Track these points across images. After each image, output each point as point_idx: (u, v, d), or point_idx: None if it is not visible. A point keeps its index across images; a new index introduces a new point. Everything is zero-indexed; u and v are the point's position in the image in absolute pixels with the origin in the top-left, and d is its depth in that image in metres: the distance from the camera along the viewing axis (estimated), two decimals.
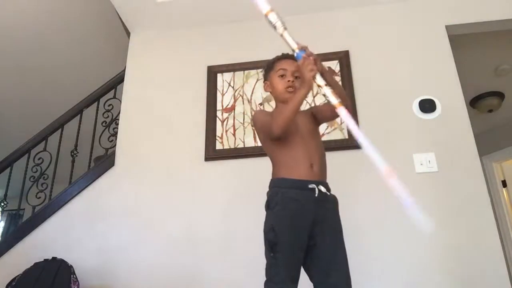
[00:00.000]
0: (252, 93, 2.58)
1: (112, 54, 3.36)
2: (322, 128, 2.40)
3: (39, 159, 2.83)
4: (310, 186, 1.41)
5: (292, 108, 1.42)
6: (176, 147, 2.54)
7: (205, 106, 2.59)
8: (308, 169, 1.45)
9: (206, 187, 2.39)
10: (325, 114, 1.62)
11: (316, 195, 1.40)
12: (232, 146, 2.45)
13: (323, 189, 1.43)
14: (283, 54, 1.67)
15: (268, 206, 1.45)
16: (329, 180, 1.50)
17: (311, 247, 1.40)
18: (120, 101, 2.75)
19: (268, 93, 1.70)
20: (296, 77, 1.58)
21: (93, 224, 2.41)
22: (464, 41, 2.69)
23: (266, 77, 1.68)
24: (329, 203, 1.48)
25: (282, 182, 1.46)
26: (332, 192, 1.50)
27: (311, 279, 1.41)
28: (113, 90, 2.88)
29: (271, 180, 1.51)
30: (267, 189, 1.48)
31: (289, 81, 1.57)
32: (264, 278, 1.37)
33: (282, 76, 1.60)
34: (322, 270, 1.39)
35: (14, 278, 2.07)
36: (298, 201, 1.40)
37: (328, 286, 1.37)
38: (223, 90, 2.63)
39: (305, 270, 1.42)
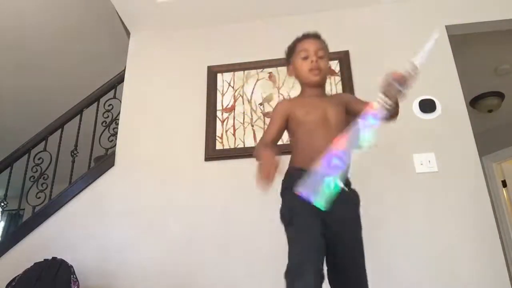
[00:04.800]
0: (252, 93, 2.58)
1: (112, 54, 3.35)
2: None
3: (39, 159, 2.83)
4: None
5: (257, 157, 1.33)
6: (176, 147, 2.54)
7: (205, 106, 2.59)
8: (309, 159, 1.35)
9: (206, 187, 2.39)
10: (356, 112, 1.49)
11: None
12: (232, 146, 2.45)
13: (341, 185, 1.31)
14: (303, 34, 1.56)
15: (281, 193, 1.42)
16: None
17: (330, 254, 1.32)
18: (120, 101, 2.75)
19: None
20: (319, 57, 1.49)
21: (93, 224, 2.41)
22: (464, 41, 2.69)
23: (288, 61, 1.59)
24: (349, 201, 1.40)
25: (297, 172, 1.35)
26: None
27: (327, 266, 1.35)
28: (113, 90, 2.88)
29: (287, 169, 1.44)
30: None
31: (312, 61, 1.48)
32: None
33: (305, 58, 1.50)
34: (341, 282, 1.36)
35: (14, 278, 2.07)
36: None
37: None
38: (223, 90, 2.63)
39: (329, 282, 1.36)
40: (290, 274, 1.20)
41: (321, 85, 1.57)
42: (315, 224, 1.28)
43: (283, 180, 1.42)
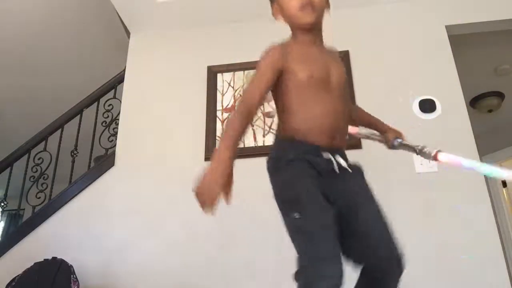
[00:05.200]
0: None
1: (112, 54, 3.35)
2: None
3: (39, 159, 2.83)
4: (326, 156, 1.13)
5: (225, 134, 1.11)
6: (176, 147, 2.54)
7: (205, 106, 2.59)
8: (329, 137, 1.15)
9: None
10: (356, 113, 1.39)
11: (337, 169, 1.13)
12: None
13: (342, 162, 1.15)
14: None
15: (274, 168, 1.16)
16: None
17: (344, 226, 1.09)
18: (120, 101, 2.75)
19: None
20: None
21: (93, 224, 2.41)
22: (464, 41, 2.69)
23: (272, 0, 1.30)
24: (352, 175, 1.18)
25: (293, 146, 1.13)
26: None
27: (348, 257, 1.09)
28: (113, 90, 2.88)
29: (278, 140, 1.21)
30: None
31: None
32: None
33: None
34: (358, 238, 1.10)
35: (14, 278, 2.07)
36: (313, 168, 1.11)
37: (367, 253, 1.09)
38: (223, 90, 2.63)
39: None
40: (309, 275, 0.98)
41: (316, 27, 1.25)
42: (328, 206, 1.06)
43: (277, 153, 1.19)
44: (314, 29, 1.25)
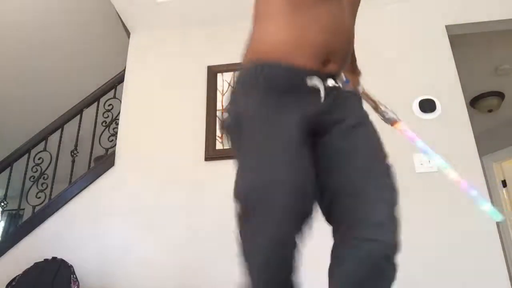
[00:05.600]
0: None
1: (112, 54, 3.35)
2: None
3: (39, 159, 2.83)
4: (311, 83, 0.85)
5: None
6: (176, 147, 2.54)
7: (205, 106, 2.59)
8: (321, 60, 0.87)
9: (206, 187, 2.38)
10: None
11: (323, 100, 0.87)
12: None
13: (331, 83, 0.89)
14: None
15: (236, 123, 0.87)
16: None
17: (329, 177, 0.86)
18: (120, 101, 2.75)
19: None
20: None
21: (93, 224, 2.41)
22: (464, 41, 2.69)
23: None
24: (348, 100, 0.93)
25: (269, 68, 0.86)
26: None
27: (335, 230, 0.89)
28: (113, 90, 2.88)
29: (244, 67, 0.93)
30: None
31: None
32: None
33: None
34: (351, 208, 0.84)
35: (14, 278, 2.07)
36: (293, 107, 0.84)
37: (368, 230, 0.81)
38: (223, 90, 2.63)
39: (327, 218, 0.91)
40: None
41: None
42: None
43: (242, 81, 0.93)
44: None
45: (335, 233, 0.88)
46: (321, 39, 0.87)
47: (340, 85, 0.93)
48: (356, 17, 1.14)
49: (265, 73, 0.86)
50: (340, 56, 0.92)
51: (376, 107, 1.18)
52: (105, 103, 2.83)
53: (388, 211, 0.84)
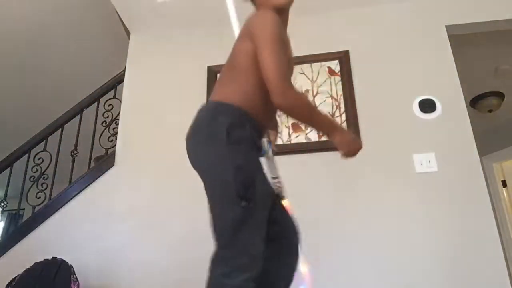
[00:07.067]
0: None
1: (112, 54, 3.35)
2: None
3: (39, 159, 2.83)
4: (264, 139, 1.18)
5: (308, 119, 1.13)
6: (176, 147, 2.52)
7: None
8: (272, 121, 1.22)
9: None
10: None
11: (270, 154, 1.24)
12: None
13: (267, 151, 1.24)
14: None
15: (227, 137, 1.05)
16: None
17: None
18: (120, 101, 2.75)
19: None
20: None
21: (93, 224, 2.41)
22: (464, 41, 2.69)
23: None
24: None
25: (251, 118, 1.10)
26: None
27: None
28: (113, 90, 2.88)
29: (232, 105, 1.10)
30: None
31: None
32: None
33: None
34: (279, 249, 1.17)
35: (14, 278, 2.07)
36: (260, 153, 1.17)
37: (283, 268, 1.17)
38: None
39: None
40: (232, 266, 0.98)
41: (288, 8, 1.28)
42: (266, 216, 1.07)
43: (231, 122, 1.08)
44: (286, 10, 1.27)
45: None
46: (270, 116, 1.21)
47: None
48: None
49: (251, 124, 1.11)
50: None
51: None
52: (105, 103, 2.83)
53: None
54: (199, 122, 1.19)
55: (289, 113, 1.09)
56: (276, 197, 1.22)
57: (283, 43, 1.09)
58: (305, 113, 1.09)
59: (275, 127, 1.37)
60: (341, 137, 1.11)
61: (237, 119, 1.08)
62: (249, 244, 1.00)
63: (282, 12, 1.23)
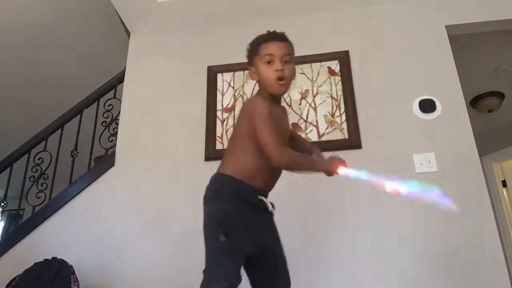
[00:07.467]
0: (252, 93, 2.58)
1: (112, 54, 3.35)
2: (322, 127, 2.41)
3: (39, 159, 2.83)
4: (262, 200, 1.37)
5: (302, 169, 1.43)
6: (176, 147, 2.54)
7: (205, 106, 2.59)
8: (271, 185, 1.42)
9: None
10: (296, 146, 1.53)
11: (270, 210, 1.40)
12: None
13: (270, 207, 1.39)
14: (268, 33, 1.42)
15: (215, 195, 1.34)
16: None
17: (257, 257, 1.38)
18: (120, 101, 2.75)
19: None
20: (285, 62, 1.37)
21: (93, 224, 2.41)
22: (464, 41, 2.69)
23: (250, 62, 1.45)
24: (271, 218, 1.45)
25: (243, 183, 1.33)
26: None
27: (254, 285, 1.42)
28: (113, 90, 2.88)
29: (229, 175, 1.35)
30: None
31: (277, 70, 1.35)
32: None
33: (269, 62, 1.36)
34: (269, 277, 1.40)
35: (14, 278, 2.07)
36: (253, 213, 1.36)
37: None
38: (223, 90, 2.63)
39: (249, 275, 1.42)
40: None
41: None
42: (248, 245, 1.32)
43: (220, 188, 1.36)
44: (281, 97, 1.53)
45: None
46: (275, 175, 1.41)
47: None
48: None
49: (246, 191, 1.35)
50: (276, 181, 1.44)
51: None
52: (105, 103, 2.82)
53: None
54: (206, 191, 1.42)
55: (286, 168, 1.37)
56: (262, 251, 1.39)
57: (274, 119, 1.31)
58: (297, 166, 1.36)
59: (310, 150, 1.53)
60: (327, 166, 1.37)
61: (230, 184, 1.33)
62: (229, 271, 1.32)
63: (279, 96, 1.49)
